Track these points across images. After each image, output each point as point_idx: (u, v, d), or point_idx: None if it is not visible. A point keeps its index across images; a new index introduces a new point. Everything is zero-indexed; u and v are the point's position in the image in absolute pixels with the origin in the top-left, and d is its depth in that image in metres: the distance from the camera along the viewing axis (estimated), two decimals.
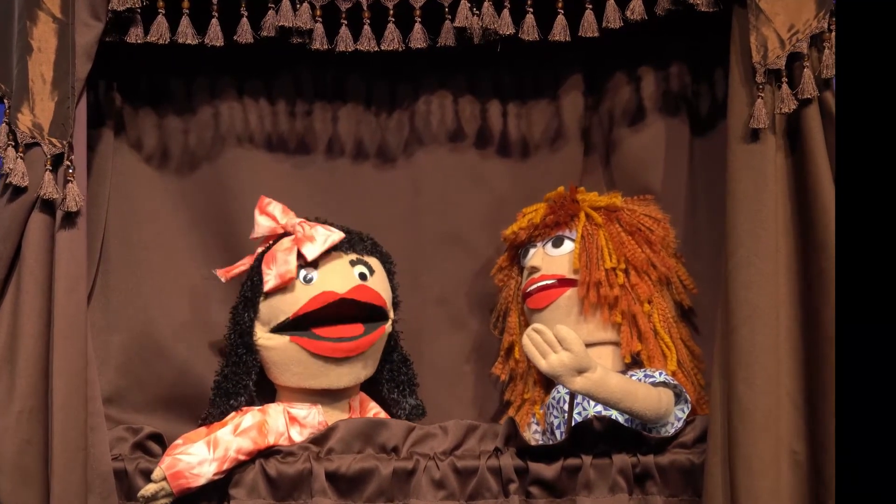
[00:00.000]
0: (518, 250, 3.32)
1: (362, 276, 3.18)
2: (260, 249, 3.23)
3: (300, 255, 3.13)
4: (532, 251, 3.27)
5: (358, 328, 3.16)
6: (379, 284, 3.21)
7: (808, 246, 2.89)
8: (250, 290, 3.18)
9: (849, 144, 2.71)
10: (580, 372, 2.95)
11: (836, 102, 2.84)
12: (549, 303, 3.21)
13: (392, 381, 3.32)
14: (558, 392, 3.19)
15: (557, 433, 3.16)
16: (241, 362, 3.18)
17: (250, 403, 3.18)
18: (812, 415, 2.86)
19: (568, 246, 3.23)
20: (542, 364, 2.95)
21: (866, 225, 2.64)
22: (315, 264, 3.15)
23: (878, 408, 2.57)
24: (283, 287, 3.14)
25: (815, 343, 2.86)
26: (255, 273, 3.19)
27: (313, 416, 3.12)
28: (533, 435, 3.26)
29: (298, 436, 3.08)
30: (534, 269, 3.24)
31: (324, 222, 3.23)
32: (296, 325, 3.14)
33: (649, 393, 3.02)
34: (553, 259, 3.23)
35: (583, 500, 2.99)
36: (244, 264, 3.25)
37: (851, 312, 2.63)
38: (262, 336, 3.17)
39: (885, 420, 2.56)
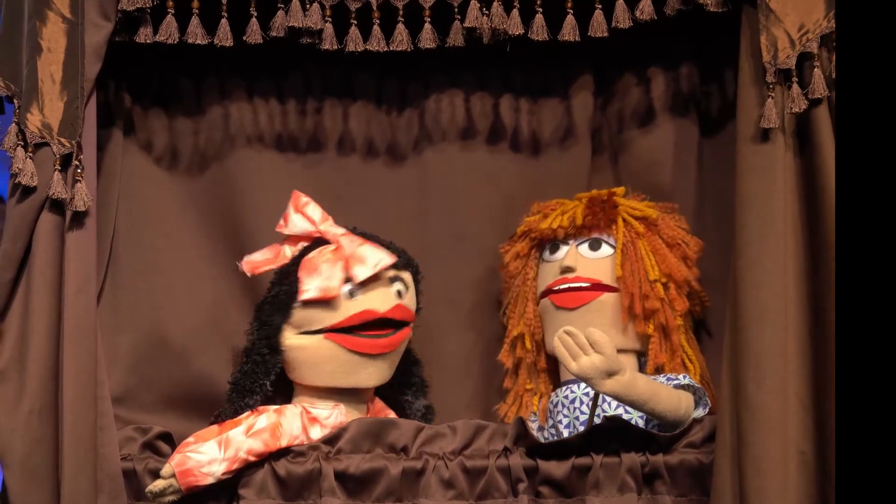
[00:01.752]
0: (544, 243, 3.31)
1: (399, 294, 3.19)
2: (288, 251, 3.21)
3: (347, 273, 3.13)
4: (564, 249, 3.26)
5: (386, 328, 3.18)
6: (410, 300, 3.23)
7: (817, 246, 2.88)
8: (285, 296, 3.15)
9: (849, 144, 2.70)
10: (610, 375, 2.96)
11: (837, 102, 2.83)
12: (581, 305, 3.21)
13: (404, 382, 3.32)
14: (573, 392, 3.19)
15: (565, 432, 3.16)
16: (263, 362, 3.17)
17: (265, 402, 3.17)
18: (820, 415, 2.85)
19: (606, 250, 3.23)
20: (573, 366, 2.96)
21: (868, 225, 2.64)
22: (364, 281, 3.15)
23: (882, 408, 2.57)
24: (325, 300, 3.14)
25: (823, 343, 2.85)
26: (290, 278, 3.16)
27: (335, 417, 3.11)
28: (549, 430, 3.25)
29: (319, 436, 3.07)
30: (568, 269, 3.23)
31: (362, 235, 3.22)
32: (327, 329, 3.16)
33: (671, 395, 3.04)
34: (589, 262, 3.23)
35: (592, 500, 2.99)
36: (270, 260, 3.22)
37: (854, 312, 2.63)
38: (292, 337, 3.16)
39: (890, 420, 2.56)
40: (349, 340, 3.13)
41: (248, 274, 3.24)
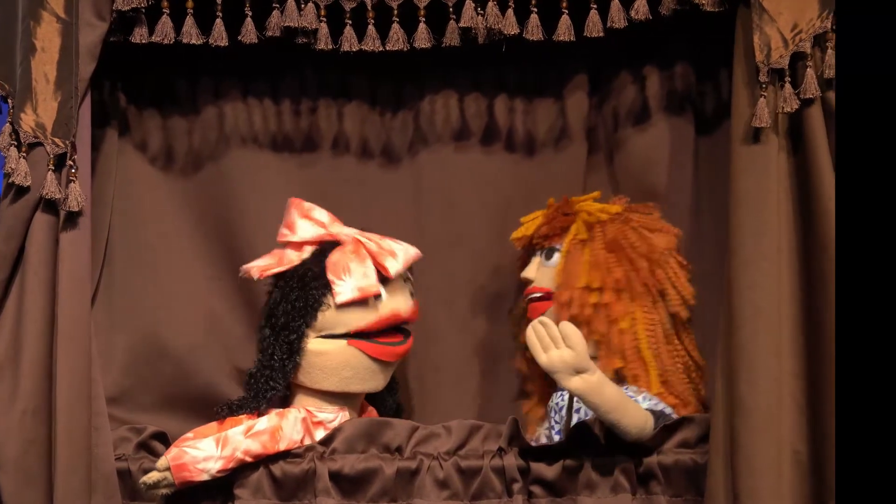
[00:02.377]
0: (526, 257, 3.32)
1: (411, 294, 3.22)
2: (296, 254, 3.18)
3: (380, 268, 3.13)
4: (533, 260, 3.28)
5: (398, 335, 3.19)
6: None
7: (811, 246, 2.89)
8: (313, 299, 3.12)
9: (849, 144, 2.70)
10: (578, 372, 2.93)
11: (836, 102, 2.84)
12: (538, 315, 3.18)
13: None
14: (558, 399, 3.18)
15: (556, 438, 3.15)
16: (281, 367, 3.13)
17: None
18: (814, 415, 2.86)
19: (556, 259, 3.23)
20: (542, 358, 2.93)
21: (867, 225, 2.64)
22: (384, 281, 3.15)
23: (878, 408, 2.57)
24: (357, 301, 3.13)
25: (817, 343, 2.86)
26: (317, 281, 3.13)
27: (339, 422, 3.11)
28: (545, 431, 3.24)
29: None
30: (527, 281, 3.24)
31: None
32: (350, 334, 3.15)
33: (638, 411, 2.99)
34: (545, 271, 3.23)
35: (584, 500, 2.99)
36: (281, 264, 3.18)
37: (852, 312, 2.63)
38: (314, 341, 3.14)
39: (886, 420, 2.55)
40: (372, 348, 3.14)
41: (257, 277, 3.19)
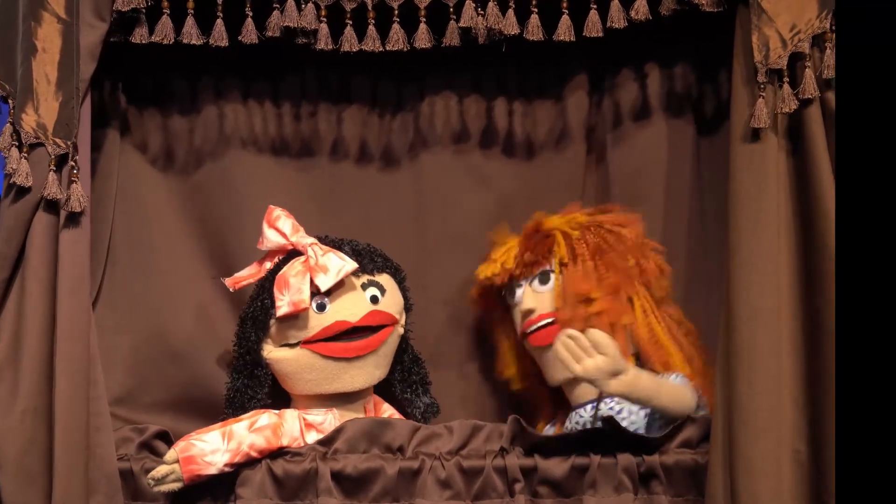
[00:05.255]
0: (501, 291, 3.31)
1: (374, 299, 3.20)
2: (268, 265, 3.22)
3: (313, 284, 3.14)
4: (519, 291, 3.26)
5: (362, 332, 3.18)
6: (390, 302, 3.22)
7: (810, 246, 2.89)
8: (261, 312, 3.18)
9: (849, 144, 2.71)
10: (614, 375, 2.95)
11: (836, 102, 2.84)
12: (547, 342, 3.17)
13: (404, 381, 3.32)
14: (580, 417, 3.19)
15: None
16: (253, 376, 3.20)
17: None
18: (814, 415, 2.86)
19: (553, 281, 3.22)
20: (578, 369, 2.95)
21: (867, 225, 2.64)
22: (327, 291, 3.15)
23: (879, 408, 2.57)
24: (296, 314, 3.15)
25: (816, 343, 2.86)
26: (265, 294, 3.18)
27: (329, 422, 3.11)
28: None
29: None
30: (529, 312, 3.23)
31: (333, 241, 3.23)
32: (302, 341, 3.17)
33: (674, 388, 3.05)
34: (545, 296, 3.22)
35: (588, 500, 2.99)
36: (252, 275, 3.25)
37: (852, 312, 2.63)
38: (272, 351, 3.18)
39: (886, 420, 2.56)
40: (324, 347, 3.14)
41: (231, 288, 3.26)
